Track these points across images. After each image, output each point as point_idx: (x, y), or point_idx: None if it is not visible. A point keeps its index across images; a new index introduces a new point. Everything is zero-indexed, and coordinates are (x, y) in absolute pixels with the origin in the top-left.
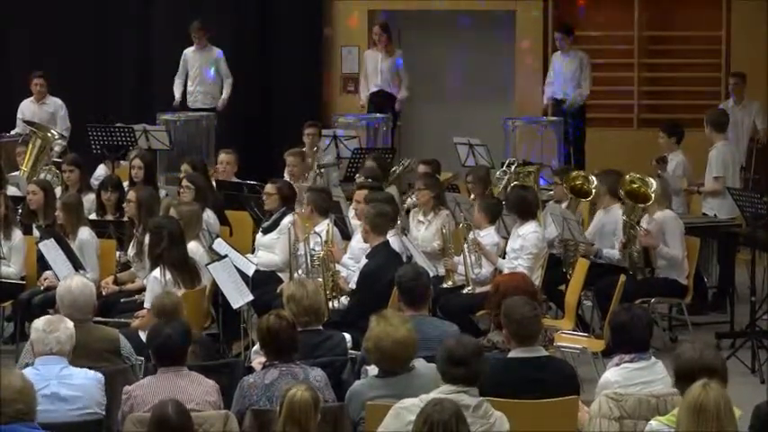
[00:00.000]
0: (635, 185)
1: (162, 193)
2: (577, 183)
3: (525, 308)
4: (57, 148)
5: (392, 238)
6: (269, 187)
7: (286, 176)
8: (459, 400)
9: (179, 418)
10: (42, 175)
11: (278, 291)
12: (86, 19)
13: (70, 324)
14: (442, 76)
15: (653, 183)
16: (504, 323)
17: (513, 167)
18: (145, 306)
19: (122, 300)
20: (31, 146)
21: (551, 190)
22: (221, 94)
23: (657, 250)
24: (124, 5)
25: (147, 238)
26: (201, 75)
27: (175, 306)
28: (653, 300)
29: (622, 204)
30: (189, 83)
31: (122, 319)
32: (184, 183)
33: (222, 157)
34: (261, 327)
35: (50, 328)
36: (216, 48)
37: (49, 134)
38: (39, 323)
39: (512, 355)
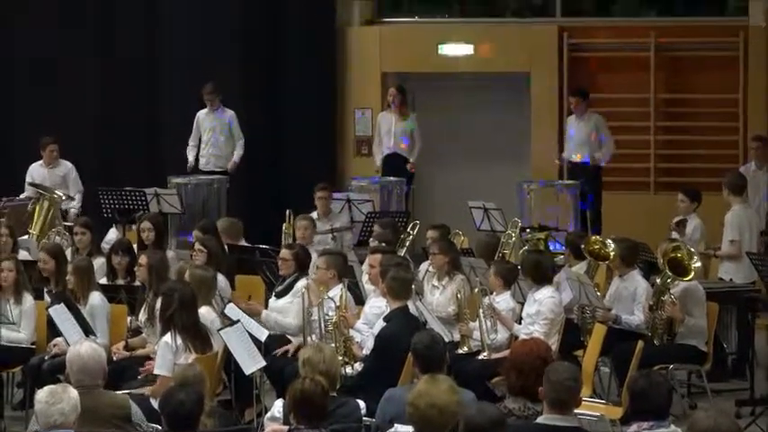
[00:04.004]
0: (596, 246)
1: (170, 254)
2: (595, 247)
3: (565, 374)
4: (72, 211)
5: (408, 303)
6: (285, 253)
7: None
8: None
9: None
10: (53, 238)
11: (289, 354)
12: (95, 80)
13: (74, 393)
14: (457, 139)
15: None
16: (543, 383)
17: (517, 230)
18: (155, 371)
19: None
20: (38, 208)
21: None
22: (233, 155)
23: (684, 322)
24: (134, 67)
25: (158, 303)
26: (215, 137)
27: (198, 378)
28: (671, 366)
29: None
30: (201, 145)
31: (134, 388)
32: (197, 246)
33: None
34: (294, 389)
35: (53, 399)
36: (228, 110)
37: (56, 195)
38: (41, 395)
39: (540, 419)
